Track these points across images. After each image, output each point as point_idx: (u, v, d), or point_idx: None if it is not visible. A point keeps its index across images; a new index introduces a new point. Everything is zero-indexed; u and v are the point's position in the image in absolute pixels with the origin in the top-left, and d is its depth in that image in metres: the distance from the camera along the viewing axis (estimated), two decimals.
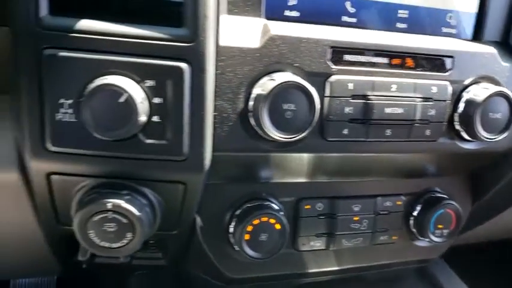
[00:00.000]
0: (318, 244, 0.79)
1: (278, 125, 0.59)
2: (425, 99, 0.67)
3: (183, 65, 0.55)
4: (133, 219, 0.59)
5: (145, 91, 0.55)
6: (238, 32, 0.61)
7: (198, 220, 0.72)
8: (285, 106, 0.59)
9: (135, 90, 0.54)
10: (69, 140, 0.56)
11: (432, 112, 0.67)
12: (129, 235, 0.60)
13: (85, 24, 0.53)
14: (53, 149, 0.56)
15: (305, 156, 0.70)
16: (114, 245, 0.61)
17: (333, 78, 0.63)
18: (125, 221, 0.59)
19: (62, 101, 0.54)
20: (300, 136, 0.61)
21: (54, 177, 0.59)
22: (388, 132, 0.66)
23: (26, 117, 0.55)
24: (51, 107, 0.54)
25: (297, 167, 0.72)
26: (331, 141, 0.65)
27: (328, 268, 0.82)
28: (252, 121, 0.61)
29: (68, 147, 0.56)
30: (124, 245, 0.61)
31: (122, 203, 0.58)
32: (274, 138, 0.60)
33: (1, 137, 0.62)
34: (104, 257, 0.84)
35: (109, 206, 0.57)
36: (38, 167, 0.58)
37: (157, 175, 0.61)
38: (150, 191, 0.62)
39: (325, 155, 0.70)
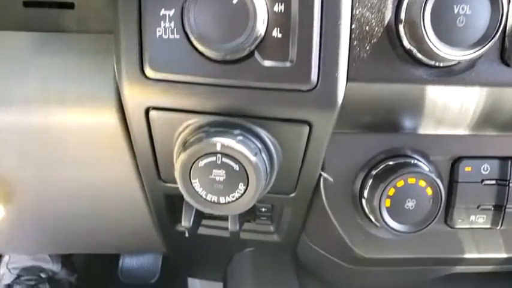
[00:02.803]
0: (481, 220, 0.59)
1: (445, 37, 0.42)
2: None
3: None
4: (247, 165, 0.46)
5: None
6: None
7: (322, 181, 0.57)
8: (457, 8, 0.42)
9: None
10: (171, 63, 0.45)
11: None
12: (241, 187, 0.48)
13: None
14: (153, 75, 0.46)
15: (472, 93, 0.51)
16: (223, 200, 0.49)
17: None
18: (236, 167, 0.46)
19: (163, 12, 0.43)
20: (476, 53, 0.43)
21: (153, 113, 0.49)
22: None
23: (123, 36, 0.46)
24: (150, 21, 0.44)
25: (457, 111, 0.54)
26: None
27: (491, 255, 0.61)
28: (405, 35, 0.45)
29: (170, 73, 0.46)
30: (234, 200, 0.49)
31: (234, 143, 0.45)
32: (438, 55, 0.43)
33: (103, 76, 0.54)
34: (208, 227, 0.74)
35: (218, 146, 0.45)
36: (136, 99, 0.48)
37: (276, 110, 0.48)
38: (266, 133, 0.49)
39: (503, 93, 0.50)
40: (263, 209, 0.67)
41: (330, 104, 0.46)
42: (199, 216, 0.69)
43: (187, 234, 0.68)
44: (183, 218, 0.65)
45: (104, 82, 0.55)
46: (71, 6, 0.61)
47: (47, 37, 0.59)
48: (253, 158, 0.46)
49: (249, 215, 0.70)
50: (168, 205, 0.66)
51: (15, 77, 0.55)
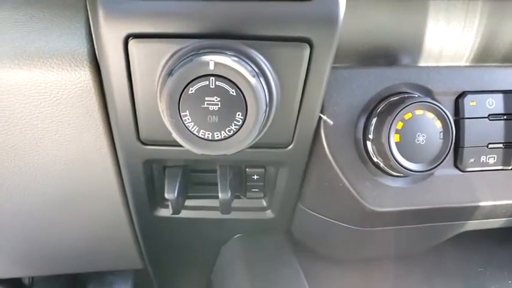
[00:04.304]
0: (492, 161, 0.55)
1: None
2: None
3: None
4: (245, 88, 0.40)
5: None
6: None
7: (323, 125, 0.52)
8: None
9: None
10: None
11: None
12: (238, 117, 0.42)
13: None
14: None
15: (473, 14, 0.48)
16: (218, 135, 0.42)
17: None
18: (232, 91, 0.41)
19: None
20: None
21: (134, 43, 0.43)
22: None
23: None
24: None
25: (458, 37, 0.51)
26: None
27: (505, 201, 0.57)
28: None
29: None
30: (231, 135, 0.42)
31: (229, 61, 0.40)
32: None
33: (72, 30, 0.49)
34: (193, 209, 0.66)
35: (211, 65, 0.40)
36: (114, 26, 0.42)
37: (273, 27, 0.43)
38: (263, 58, 0.44)
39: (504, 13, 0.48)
40: (255, 177, 0.61)
41: (331, 17, 0.42)
42: (183, 192, 0.62)
43: (171, 212, 0.60)
44: (166, 189, 0.58)
45: (72, 36, 0.49)
46: None
47: None
48: (252, 79, 0.40)
49: (240, 187, 0.63)
50: (146, 178, 0.59)
51: None
